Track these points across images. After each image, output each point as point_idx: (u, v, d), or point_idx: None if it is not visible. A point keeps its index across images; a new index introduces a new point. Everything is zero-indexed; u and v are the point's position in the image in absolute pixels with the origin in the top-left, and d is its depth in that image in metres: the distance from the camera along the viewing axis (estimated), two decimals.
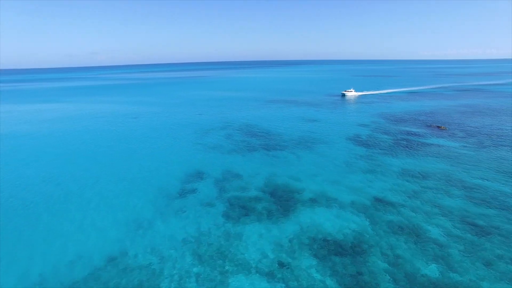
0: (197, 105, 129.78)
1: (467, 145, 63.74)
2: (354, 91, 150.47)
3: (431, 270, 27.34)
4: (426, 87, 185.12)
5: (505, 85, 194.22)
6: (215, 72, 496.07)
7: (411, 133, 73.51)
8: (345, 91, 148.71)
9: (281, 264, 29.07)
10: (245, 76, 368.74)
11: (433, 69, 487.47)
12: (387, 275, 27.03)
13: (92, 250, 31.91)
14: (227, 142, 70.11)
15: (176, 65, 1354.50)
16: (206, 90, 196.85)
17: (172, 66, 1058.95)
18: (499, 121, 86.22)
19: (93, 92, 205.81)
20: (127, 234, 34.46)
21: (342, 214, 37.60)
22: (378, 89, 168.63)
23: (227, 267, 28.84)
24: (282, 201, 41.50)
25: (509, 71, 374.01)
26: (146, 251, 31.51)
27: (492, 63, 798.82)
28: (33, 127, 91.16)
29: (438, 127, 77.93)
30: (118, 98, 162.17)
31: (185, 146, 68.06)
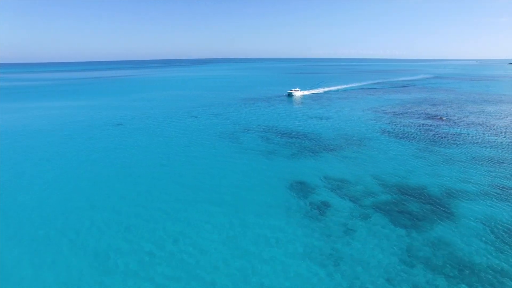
0: (174, 106, 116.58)
1: (482, 132, 76.23)
2: (300, 90, 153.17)
3: None
4: (364, 83, 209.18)
5: (422, 80, 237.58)
6: (130, 72, 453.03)
7: (427, 125, 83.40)
8: (291, 90, 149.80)
9: None
10: (175, 75, 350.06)
11: (344, 66, 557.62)
12: None
13: None
14: (275, 145, 65.93)
15: (63, 64, 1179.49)
16: (154, 91, 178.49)
17: (61, 66, 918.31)
18: (469, 110, 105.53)
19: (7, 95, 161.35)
20: (334, 272, 29.24)
21: (493, 204, 40.57)
22: (320, 87, 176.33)
23: (479, 276, 27.96)
24: (424, 199, 42.04)
25: (400, 69, 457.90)
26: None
27: (375, 62, 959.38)
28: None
29: (440, 118, 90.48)
30: (56, 103, 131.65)
31: (235, 153, 60.89)
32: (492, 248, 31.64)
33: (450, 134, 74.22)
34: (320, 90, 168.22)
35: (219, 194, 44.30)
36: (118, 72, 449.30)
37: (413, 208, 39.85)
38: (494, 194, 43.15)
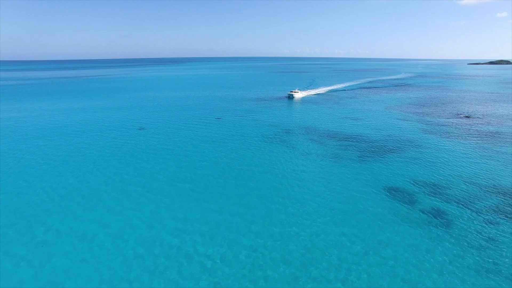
0: (187, 107, 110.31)
1: None
2: (299, 90, 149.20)
3: None
4: (358, 82, 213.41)
5: (409, 78, 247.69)
6: (110, 71, 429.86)
7: (462, 124, 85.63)
8: (292, 91, 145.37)
9: None
10: (158, 74, 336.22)
11: (321, 65, 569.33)
12: None
13: None
14: (333, 148, 63.77)
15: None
16: (149, 91, 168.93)
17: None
18: (484, 108, 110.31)
19: None
20: None
21: None
22: (318, 87, 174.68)
23: None
24: None
25: (379, 68, 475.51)
26: None
27: (347, 61, 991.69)
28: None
29: (466, 116, 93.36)
30: (47, 105, 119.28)
31: (299, 159, 57.76)
32: None
33: (493, 132, 76.46)
34: (321, 90, 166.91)
35: (314, 208, 41.01)
36: (100, 71, 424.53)
37: None
38: None
